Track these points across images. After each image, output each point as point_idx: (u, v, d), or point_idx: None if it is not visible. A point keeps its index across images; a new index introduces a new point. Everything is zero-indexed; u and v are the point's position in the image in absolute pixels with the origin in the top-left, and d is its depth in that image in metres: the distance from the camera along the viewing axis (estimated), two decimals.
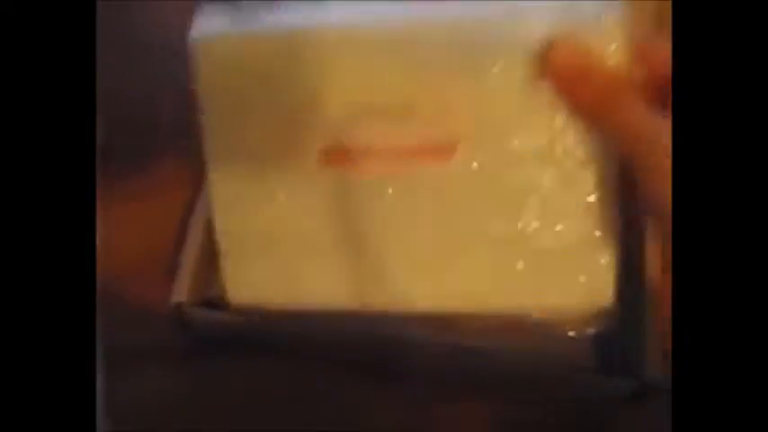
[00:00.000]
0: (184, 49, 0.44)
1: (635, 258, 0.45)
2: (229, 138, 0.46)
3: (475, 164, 0.43)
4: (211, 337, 0.49)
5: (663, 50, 0.38)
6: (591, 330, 0.45)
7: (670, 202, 0.33)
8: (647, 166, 0.37)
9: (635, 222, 0.44)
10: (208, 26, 0.45)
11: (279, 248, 0.47)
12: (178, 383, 0.49)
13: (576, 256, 0.43)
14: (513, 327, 0.47)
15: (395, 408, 0.49)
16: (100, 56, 0.34)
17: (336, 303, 0.46)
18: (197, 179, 0.49)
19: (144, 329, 0.49)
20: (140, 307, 0.49)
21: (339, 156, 0.45)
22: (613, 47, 0.40)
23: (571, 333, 0.46)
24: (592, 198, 0.42)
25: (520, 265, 0.44)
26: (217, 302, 0.48)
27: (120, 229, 0.48)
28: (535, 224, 0.43)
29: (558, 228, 0.43)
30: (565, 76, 0.41)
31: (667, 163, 0.34)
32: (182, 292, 0.48)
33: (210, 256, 0.49)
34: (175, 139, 0.47)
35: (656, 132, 0.36)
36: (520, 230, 0.43)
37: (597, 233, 0.43)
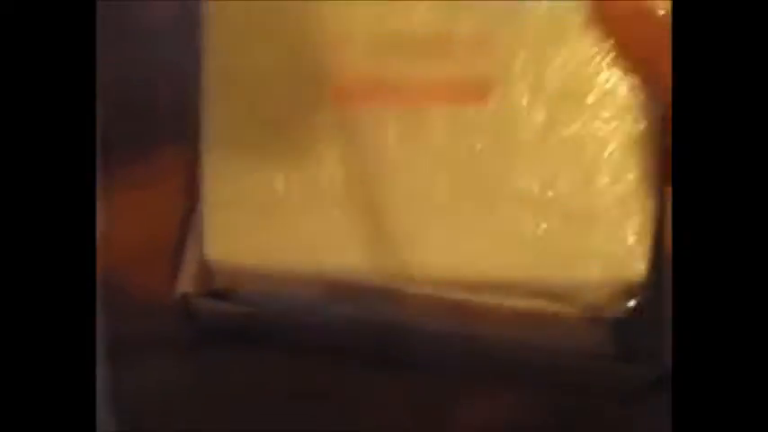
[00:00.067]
0: (185, 34, 0.43)
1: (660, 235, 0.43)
2: (233, 65, 0.43)
3: (510, 109, 0.41)
4: (218, 328, 0.49)
5: None
6: (618, 309, 0.43)
7: None
8: None
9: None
10: None
11: (276, 199, 0.44)
12: (183, 375, 0.49)
13: (610, 224, 0.41)
14: (530, 316, 0.46)
15: (408, 400, 0.49)
16: (99, 42, 0.34)
17: (339, 265, 0.44)
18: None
19: (148, 321, 0.48)
20: (145, 298, 0.49)
21: (357, 94, 0.42)
22: None
23: (596, 311, 0.44)
24: (637, 161, 0.40)
25: (545, 229, 0.41)
26: (223, 293, 0.47)
27: (123, 219, 0.48)
28: (568, 184, 0.41)
29: (595, 190, 0.41)
30: (618, 18, 0.39)
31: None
32: (187, 282, 0.47)
33: None
34: (178, 126, 0.47)
35: None
36: (550, 189, 0.41)
37: (637, 200, 0.41)
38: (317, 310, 0.47)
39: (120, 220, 0.47)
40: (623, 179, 0.41)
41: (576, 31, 0.40)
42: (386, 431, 0.48)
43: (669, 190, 0.41)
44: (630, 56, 0.39)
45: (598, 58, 0.40)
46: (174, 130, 0.49)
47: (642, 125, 0.40)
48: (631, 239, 0.41)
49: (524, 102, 0.41)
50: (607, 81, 0.40)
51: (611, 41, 0.39)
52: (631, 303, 0.43)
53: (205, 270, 0.47)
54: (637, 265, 0.41)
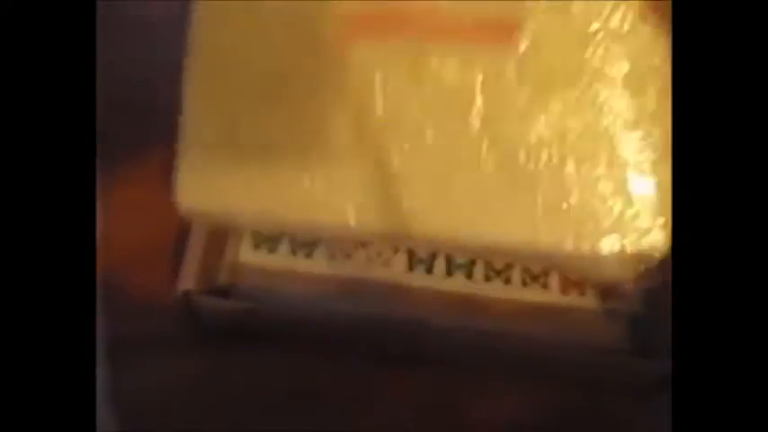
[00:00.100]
0: (185, 33, 0.43)
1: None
2: (227, 7, 0.42)
3: (535, 54, 0.40)
4: (219, 326, 0.48)
5: None
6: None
7: None
8: None
9: None
10: None
11: (268, 148, 0.42)
12: (185, 373, 0.48)
13: (633, 194, 0.40)
14: (542, 310, 0.46)
15: (417, 396, 0.48)
16: (99, 42, 0.33)
17: (331, 221, 0.42)
18: None
19: (149, 319, 0.48)
20: (145, 296, 0.48)
21: (367, 26, 0.41)
22: None
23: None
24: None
25: (563, 192, 0.40)
26: (225, 290, 0.47)
27: (123, 217, 0.47)
28: (590, 142, 0.40)
29: (617, 156, 0.40)
30: None
31: None
32: (189, 279, 0.47)
33: (219, 242, 0.48)
34: (177, 123, 0.47)
35: None
36: (569, 148, 0.40)
37: (658, 173, 0.40)
38: (318, 307, 0.47)
39: (120, 218, 0.46)
40: (657, 155, 0.40)
41: None
42: (388, 429, 0.48)
43: None
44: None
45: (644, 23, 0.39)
46: (174, 129, 0.48)
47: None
48: (652, 212, 0.40)
49: (553, 51, 0.40)
50: (652, 45, 0.39)
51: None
52: (653, 281, 0.41)
53: (206, 268, 0.47)
54: (657, 238, 0.40)
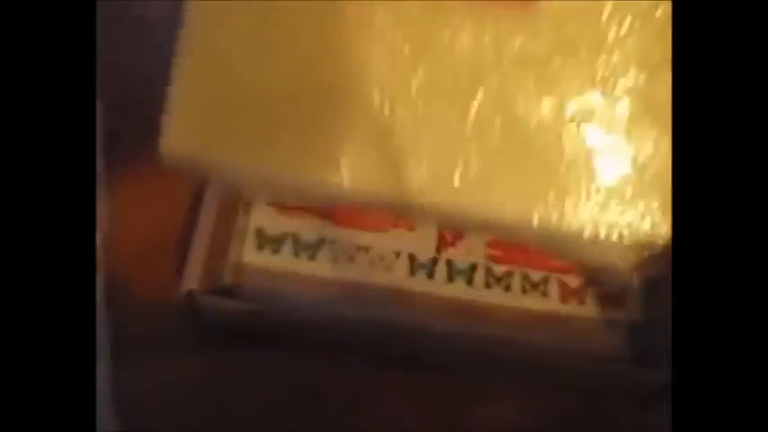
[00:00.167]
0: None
1: None
2: None
3: (550, 25, 0.39)
4: (222, 325, 0.48)
5: None
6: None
7: None
8: None
9: None
10: None
11: (257, 98, 0.40)
12: (186, 373, 0.48)
13: (640, 179, 0.39)
14: (542, 318, 0.47)
15: (417, 398, 0.48)
16: (100, 36, 0.33)
17: (324, 180, 0.40)
18: None
19: (153, 318, 0.48)
20: (149, 295, 0.49)
21: None
22: None
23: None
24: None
25: (573, 171, 0.39)
26: (229, 291, 0.47)
27: (127, 216, 0.47)
28: (598, 126, 0.39)
29: (630, 139, 0.39)
30: None
31: None
32: (192, 279, 0.47)
33: (222, 243, 0.48)
34: None
35: None
36: (583, 121, 0.39)
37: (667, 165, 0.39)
38: (320, 309, 0.47)
39: (124, 217, 0.46)
40: (661, 128, 0.39)
41: None
42: (387, 430, 0.48)
43: None
44: None
45: None
46: None
47: None
48: (659, 198, 0.39)
49: (576, 17, 0.39)
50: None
51: None
52: (655, 267, 0.40)
53: (210, 268, 0.47)
54: (661, 225, 0.39)
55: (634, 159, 0.39)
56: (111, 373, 0.43)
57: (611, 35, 0.39)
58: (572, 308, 0.47)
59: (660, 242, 0.39)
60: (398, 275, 0.48)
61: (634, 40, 0.39)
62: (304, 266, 0.48)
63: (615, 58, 0.39)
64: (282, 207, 0.48)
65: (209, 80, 0.41)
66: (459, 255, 0.48)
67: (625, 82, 0.39)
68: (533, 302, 0.47)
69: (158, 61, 0.41)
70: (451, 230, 0.47)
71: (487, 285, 0.47)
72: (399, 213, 0.44)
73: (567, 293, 0.47)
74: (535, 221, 0.40)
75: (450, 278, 0.48)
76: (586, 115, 0.39)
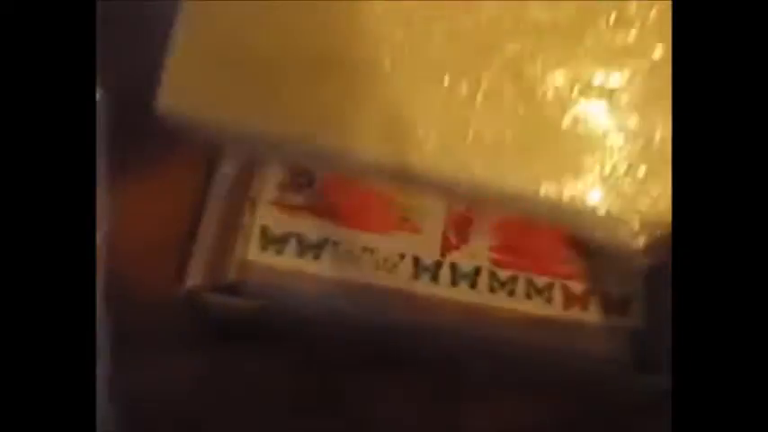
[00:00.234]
0: None
1: None
2: None
3: None
4: (225, 323, 0.48)
5: None
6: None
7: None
8: None
9: None
10: None
11: (258, 59, 0.40)
12: (190, 370, 0.48)
13: (657, 159, 0.38)
14: (545, 322, 0.47)
15: (416, 400, 0.48)
16: (100, 30, 0.33)
17: (328, 144, 0.39)
18: (213, 153, 0.48)
19: (156, 315, 0.48)
20: (152, 291, 0.48)
21: None
22: None
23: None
24: None
25: (578, 146, 0.38)
26: (232, 288, 0.47)
27: (130, 212, 0.47)
28: (618, 101, 0.38)
29: (647, 115, 0.38)
30: None
31: None
32: (196, 276, 0.47)
33: (227, 241, 0.48)
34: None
35: None
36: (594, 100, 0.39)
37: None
38: (323, 309, 0.47)
39: (127, 213, 0.46)
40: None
41: None
42: (388, 430, 0.48)
43: None
44: None
45: None
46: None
47: None
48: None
49: None
50: None
51: None
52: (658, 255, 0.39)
53: (213, 265, 0.47)
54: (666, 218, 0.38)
55: (650, 138, 0.39)
56: (111, 370, 0.43)
57: (633, 8, 0.39)
58: (575, 313, 0.47)
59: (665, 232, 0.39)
60: (402, 277, 0.48)
61: (656, 14, 0.39)
62: (308, 266, 0.48)
63: (636, 32, 0.39)
64: (287, 206, 0.48)
65: (209, 38, 0.41)
66: (464, 258, 0.48)
67: (645, 58, 0.39)
68: (537, 307, 0.47)
69: (159, 62, 0.42)
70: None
71: (491, 289, 0.47)
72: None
73: (570, 299, 0.47)
74: (546, 196, 0.39)
75: (454, 281, 0.47)
76: (603, 90, 0.39)
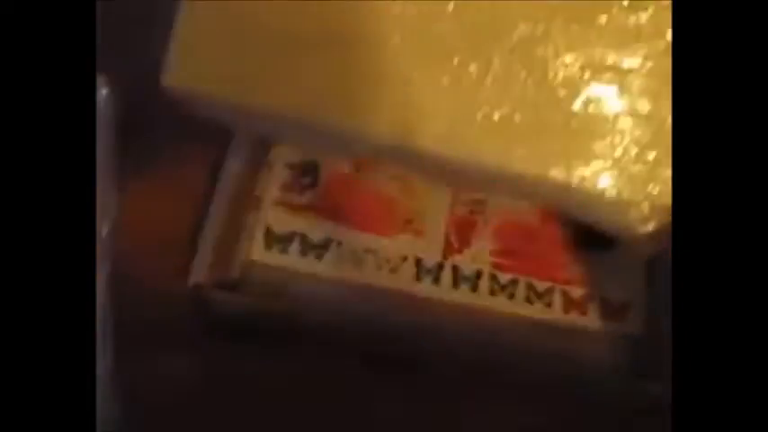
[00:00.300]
0: None
1: None
2: None
3: None
4: (228, 320, 0.48)
5: None
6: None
7: None
8: None
9: None
10: None
11: (263, 35, 0.40)
12: (191, 366, 0.48)
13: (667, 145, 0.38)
14: (548, 327, 0.47)
15: (416, 401, 0.49)
16: (108, 27, 0.33)
17: (332, 120, 0.39)
18: (218, 152, 0.48)
19: (159, 310, 0.48)
20: (156, 287, 0.49)
21: None
22: None
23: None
24: None
25: (594, 129, 0.38)
26: (236, 286, 0.48)
27: (136, 207, 0.47)
28: (631, 85, 0.38)
29: (658, 101, 0.38)
30: None
31: None
32: (200, 272, 0.47)
33: (231, 238, 0.48)
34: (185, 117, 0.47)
35: None
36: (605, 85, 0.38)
37: None
38: (325, 309, 0.47)
39: (132, 210, 0.46)
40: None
41: None
42: (388, 430, 0.48)
43: None
44: None
45: None
46: (183, 122, 0.48)
47: None
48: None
49: None
50: None
51: None
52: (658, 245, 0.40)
53: (218, 262, 0.48)
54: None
55: (662, 122, 0.39)
56: (113, 365, 0.44)
57: None
58: (574, 318, 0.47)
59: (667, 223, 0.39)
60: (404, 279, 0.48)
61: None
62: (311, 266, 0.48)
63: (649, 14, 0.39)
64: (291, 206, 0.49)
65: (217, 13, 0.41)
66: (465, 261, 0.48)
67: (658, 41, 0.39)
68: (536, 311, 0.47)
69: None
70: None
71: (492, 293, 0.48)
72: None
73: (570, 304, 0.47)
74: (555, 180, 0.39)
75: (456, 284, 0.48)
76: (615, 73, 0.39)
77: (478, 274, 0.48)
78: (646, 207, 0.39)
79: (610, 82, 0.40)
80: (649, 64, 0.39)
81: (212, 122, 0.45)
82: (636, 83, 0.39)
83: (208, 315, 0.48)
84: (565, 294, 0.47)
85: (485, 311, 0.47)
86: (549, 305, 0.47)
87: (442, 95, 0.39)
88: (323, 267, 0.48)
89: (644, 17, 0.39)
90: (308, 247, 0.48)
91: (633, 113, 0.39)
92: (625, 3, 0.39)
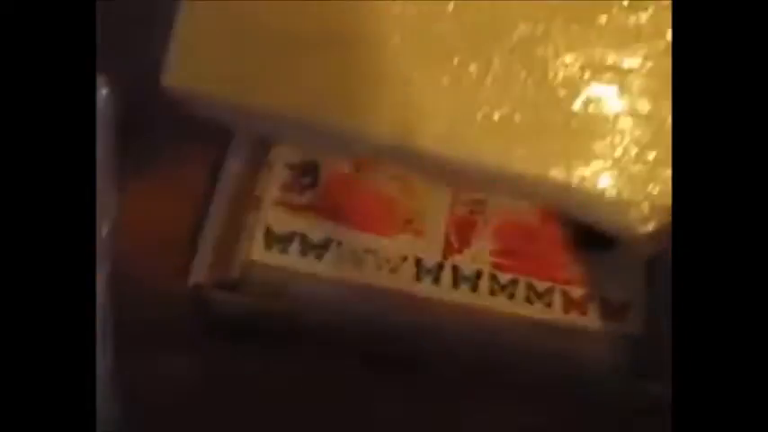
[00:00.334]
0: None
1: None
2: None
3: None
4: (227, 320, 0.48)
5: None
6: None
7: None
8: None
9: None
10: None
11: (263, 35, 0.40)
12: (191, 366, 0.48)
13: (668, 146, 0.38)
14: (548, 327, 0.47)
15: (417, 400, 0.48)
16: (108, 27, 0.33)
17: (331, 119, 0.40)
18: (218, 152, 0.48)
19: (159, 310, 0.48)
20: (156, 287, 0.49)
21: None
22: None
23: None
24: None
25: (594, 128, 0.38)
26: (236, 286, 0.48)
27: (137, 208, 0.47)
28: (631, 85, 0.38)
29: (658, 102, 0.39)
30: None
31: None
32: (200, 272, 0.47)
33: (231, 239, 0.48)
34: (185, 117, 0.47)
35: None
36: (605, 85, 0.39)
37: None
38: (325, 309, 0.47)
39: (133, 210, 0.46)
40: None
41: None
42: (388, 430, 0.48)
43: None
44: None
45: None
46: (183, 122, 0.48)
47: None
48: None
49: None
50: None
51: None
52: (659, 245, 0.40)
53: (218, 263, 0.48)
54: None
55: (662, 122, 0.39)
56: (113, 364, 0.44)
57: None
58: (574, 318, 0.47)
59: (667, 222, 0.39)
60: (404, 279, 0.48)
61: None
62: (311, 266, 0.48)
63: (649, 14, 0.39)
64: (292, 206, 0.49)
65: (217, 12, 0.41)
66: (465, 261, 0.48)
67: (658, 41, 0.39)
68: (536, 311, 0.47)
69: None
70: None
71: (492, 293, 0.48)
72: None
73: (570, 304, 0.47)
74: (555, 180, 0.39)
75: (456, 284, 0.48)
76: (615, 73, 0.39)
77: (478, 274, 0.48)
78: (646, 207, 0.39)
79: (610, 82, 0.40)
80: (649, 64, 0.39)
81: (212, 122, 0.45)
82: (636, 83, 0.39)
83: (208, 315, 0.48)
84: (565, 294, 0.48)
85: (485, 311, 0.47)
86: (549, 305, 0.47)
87: (442, 95, 0.40)
88: (323, 267, 0.48)
89: (644, 17, 0.39)
90: (308, 247, 0.48)
91: (633, 113, 0.39)
92: (625, 3, 0.40)
